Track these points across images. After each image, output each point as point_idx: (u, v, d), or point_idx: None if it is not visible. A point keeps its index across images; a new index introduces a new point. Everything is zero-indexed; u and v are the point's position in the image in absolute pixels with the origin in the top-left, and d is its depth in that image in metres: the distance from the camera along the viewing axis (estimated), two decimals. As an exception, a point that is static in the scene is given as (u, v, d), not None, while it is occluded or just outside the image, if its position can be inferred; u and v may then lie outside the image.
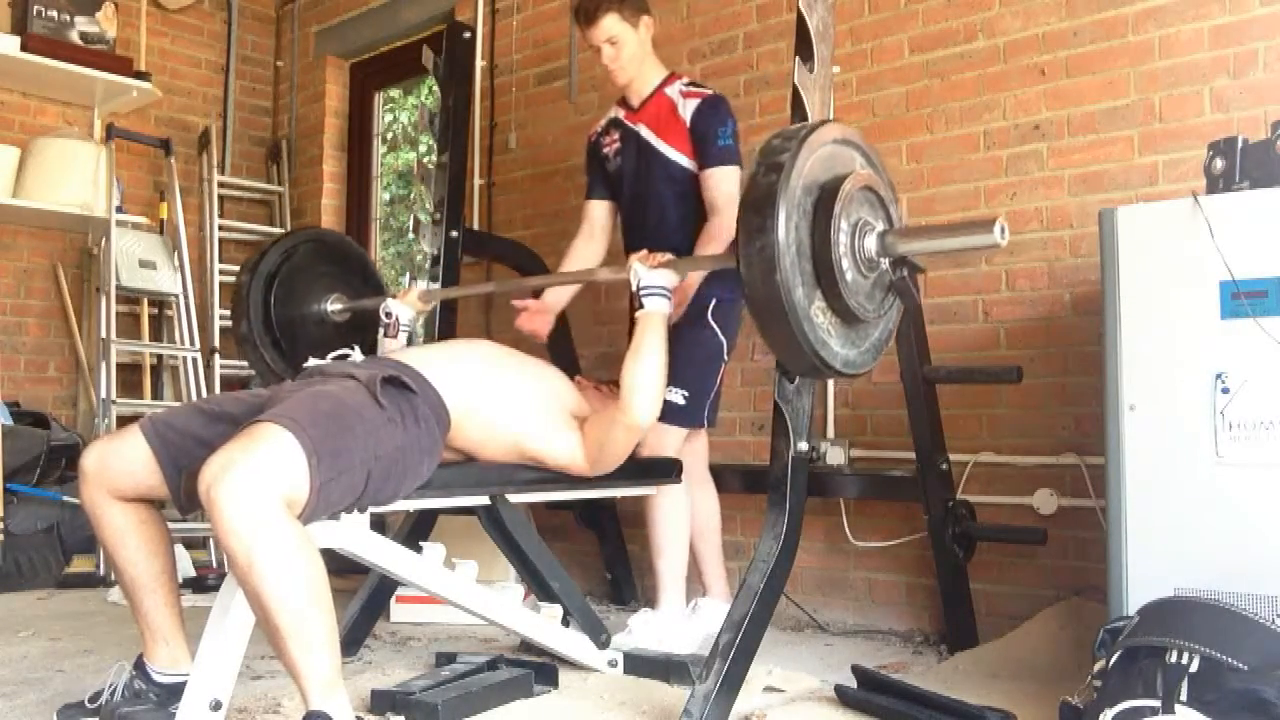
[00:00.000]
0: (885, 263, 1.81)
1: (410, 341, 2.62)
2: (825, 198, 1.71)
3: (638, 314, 2.18)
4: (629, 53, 2.65)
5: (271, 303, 2.77)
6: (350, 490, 1.72)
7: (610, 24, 2.61)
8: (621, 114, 2.79)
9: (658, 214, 2.70)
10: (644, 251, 2.21)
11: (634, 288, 2.17)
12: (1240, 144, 1.93)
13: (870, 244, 1.77)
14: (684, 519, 2.64)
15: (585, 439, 2.17)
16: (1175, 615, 1.69)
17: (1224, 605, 1.70)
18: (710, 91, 2.68)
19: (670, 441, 2.57)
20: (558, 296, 2.88)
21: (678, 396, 2.57)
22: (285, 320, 2.79)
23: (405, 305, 2.58)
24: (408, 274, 4.83)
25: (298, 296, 2.84)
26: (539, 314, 2.81)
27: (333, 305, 2.88)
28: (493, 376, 2.16)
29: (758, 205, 1.65)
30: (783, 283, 1.63)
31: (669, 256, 2.19)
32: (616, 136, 2.79)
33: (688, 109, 2.64)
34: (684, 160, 2.65)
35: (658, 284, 2.15)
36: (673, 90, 2.69)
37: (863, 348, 1.87)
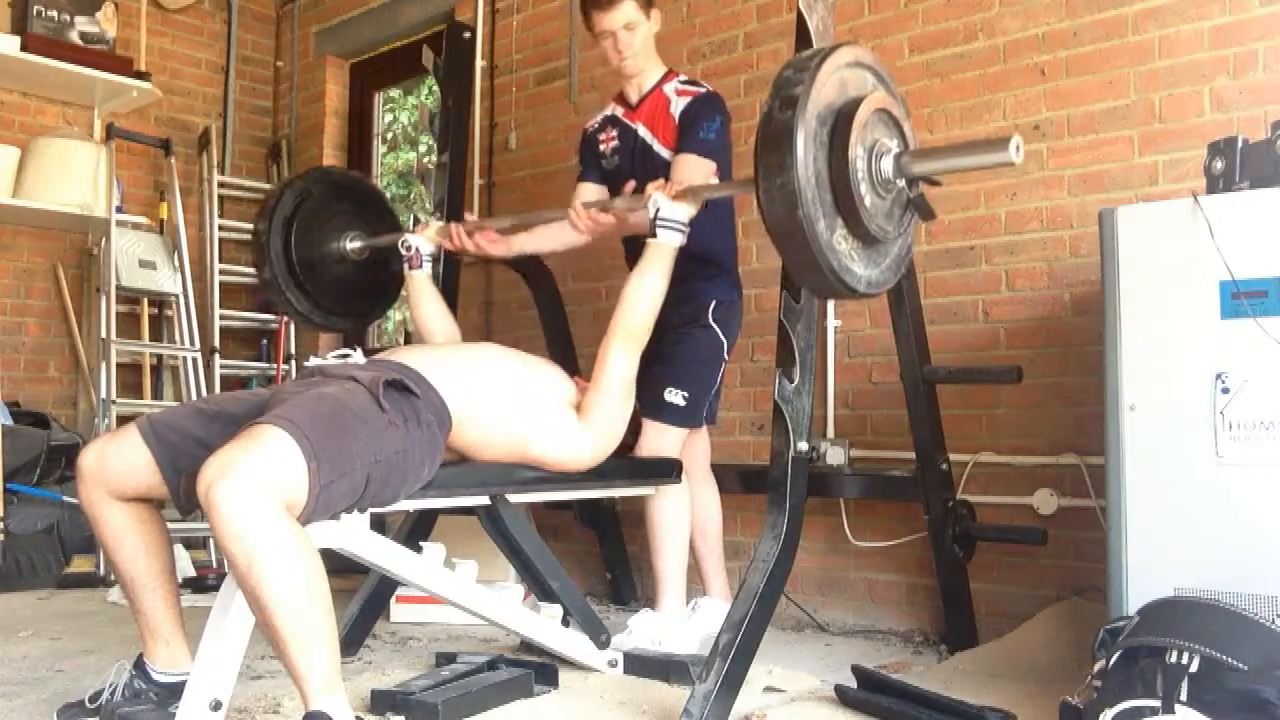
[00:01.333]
0: (902, 182, 1.79)
1: (434, 272, 2.70)
2: (841, 125, 1.69)
3: (649, 241, 2.21)
4: (640, 41, 2.63)
5: (292, 245, 2.79)
6: (350, 492, 1.72)
7: (628, 8, 2.58)
8: (620, 111, 2.78)
9: None
10: (661, 180, 2.24)
11: (651, 216, 2.20)
12: (1240, 144, 1.93)
13: (887, 166, 1.75)
14: (684, 519, 2.63)
15: (583, 413, 2.20)
16: (1175, 615, 1.69)
17: (1223, 605, 1.70)
18: (704, 90, 2.66)
19: (671, 442, 2.57)
20: (523, 244, 2.81)
21: (678, 398, 2.57)
22: (306, 261, 2.82)
23: (424, 239, 2.65)
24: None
25: (315, 237, 2.85)
26: (496, 242, 2.74)
27: (351, 243, 2.89)
28: (494, 378, 2.16)
29: (775, 141, 1.63)
30: (805, 217, 1.61)
31: (688, 185, 2.21)
32: (614, 134, 2.78)
33: (678, 106, 2.63)
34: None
35: (675, 217, 2.19)
36: (669, 88, 2.68)
37: (883, 266, 1.85)
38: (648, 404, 2.53)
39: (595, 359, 2.26)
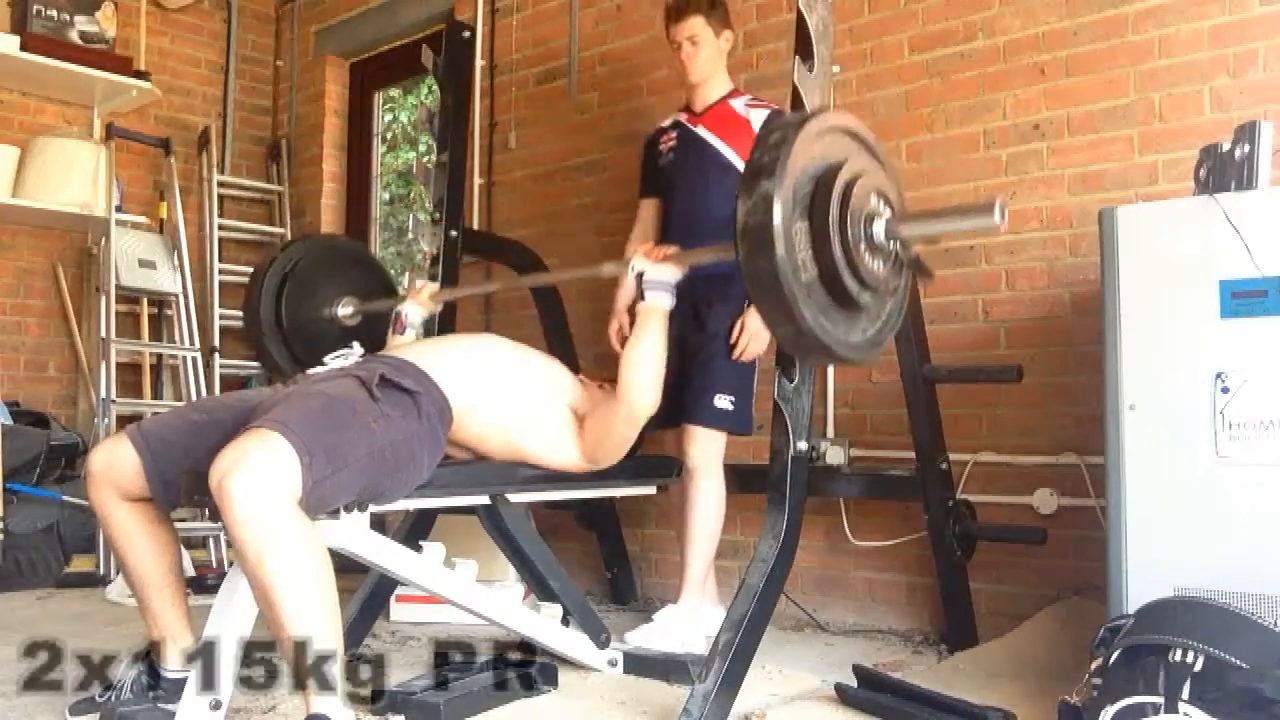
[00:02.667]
0: (893, 244, 1.78)
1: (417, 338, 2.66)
2: (823, 187, 1.68)
3: (639, 306, 2.21)
4: (705, 54, 2.78)
5: (282, 310, 2.82)
6: (347, 486, 1.72)
7: (695, 24, 2.75)
8: (683, 117, 2.90)
9: (703, 211, 2.76)
10: (648, 244, 2.25)
11: (632, 279, 2.19)
12: (1219, 150, 1.94)
13: (878, 230, 1.74)
14: (719, 513, 2.69)
15: (584, 434, 2.19)
16: (1173, 614, 1.69)
17: (1221, 604, 1.70)
18: (776, 106, 2.77)
19: (719, 447, 2.67)
20: (624, 299, 2.93)
21: (726, 402, 2.65)
22: (296, 326, 2.84)
23: (416, 306, 2.64)
24: (407, 274, 4.82)
25: (307, 301, 2.88)
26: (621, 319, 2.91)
27: (343, 309, 2.91)
28: (496, 372, 2.17)
29: (755, 231, 1.61)
30: (787, 290, 1.60)
31: (674, 250, 2.21)
32: (674, 136, 2.89)
33: (757, 118, 2.74)
34: (737, 160, 2.73)
35: (661, 279, 2.17)
36: (737, 103, 2.81)
37: (869, 333, 1.84)
38: (697, 411, 2.64)
39: (610, 380, 2.25)
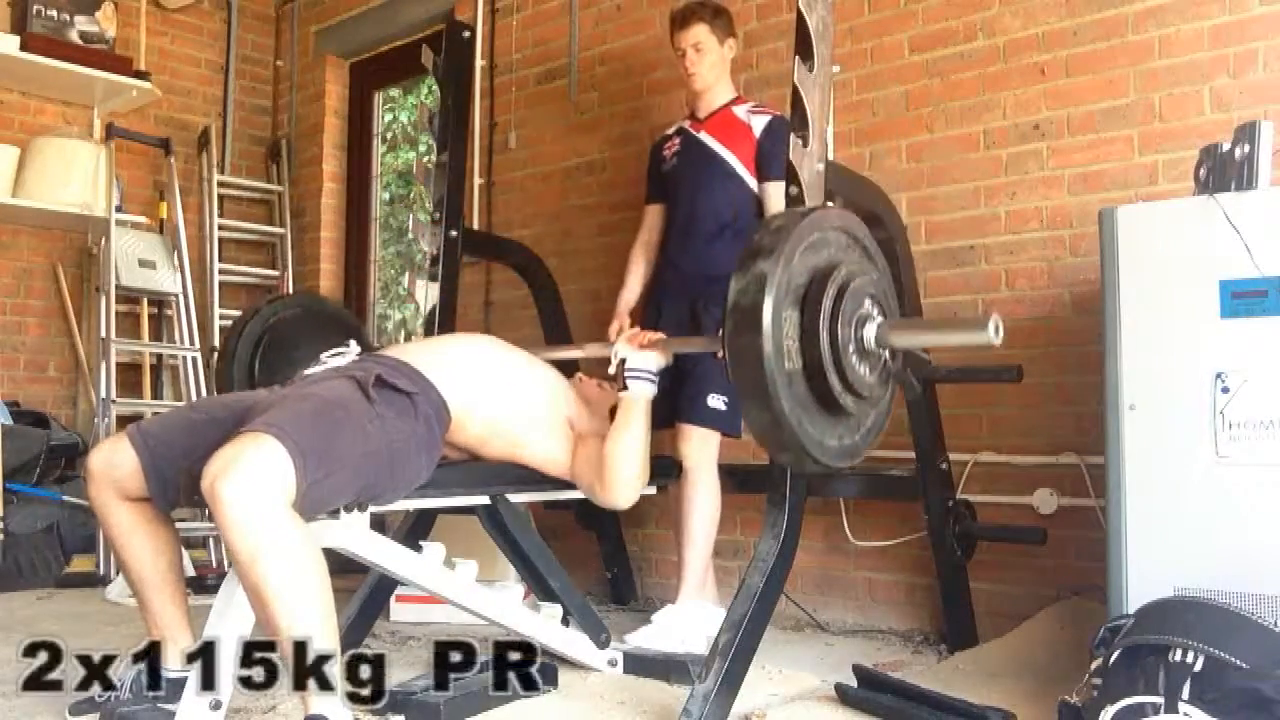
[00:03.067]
0: (883, 353, 1.76)
1: None
2: (819, 280, 1.65)
3: (620, 396, 2.20)
4: (709, 62, 2.81)
5: (256, 367, 2.71)
6: (343, 488, 1.72)
7: (699, 31, 2.79)
8: (687, 124, 2.93)
9: (705, 217, 2.80)
10: (633, 330, 2.24)
11: (615, 367, 2.16)
12: (1219, 150, 1.94)
13: (869, 334, 1.71)
14: (715, 513, 2.70)
15: (574, 463, 2.18)
16: (1173, 615, 1.69)
17: (1221, 604, 1.70)
18: (778, 112, 2.80)
19: (714, 447, 2.68)
20: (626, 303, 2.97)
21: (719, 402, 2.66)
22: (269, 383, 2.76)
23: None
24: (407, 273, 4.82)
25: (284, 363, 2.73)
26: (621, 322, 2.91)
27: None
28: (493, 374, 2.17)
29: (744, 310, 1.57)
30: (769, 374, 1.56)
31: (659, 336, 2.20)
32: (677, 141, 2.92)
33: (758, 125, 2.78)
34: (743, 172, 2.77)
35: (644, 367, 2.16)
36: (740, 110, 2.83)
37: (846, 442, 1.78)
38: (690, 410, 2.65)
39: (610, 378, 2.26)
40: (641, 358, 2.16)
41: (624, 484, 2.14)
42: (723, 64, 2.85)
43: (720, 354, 2.61)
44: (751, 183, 2.77)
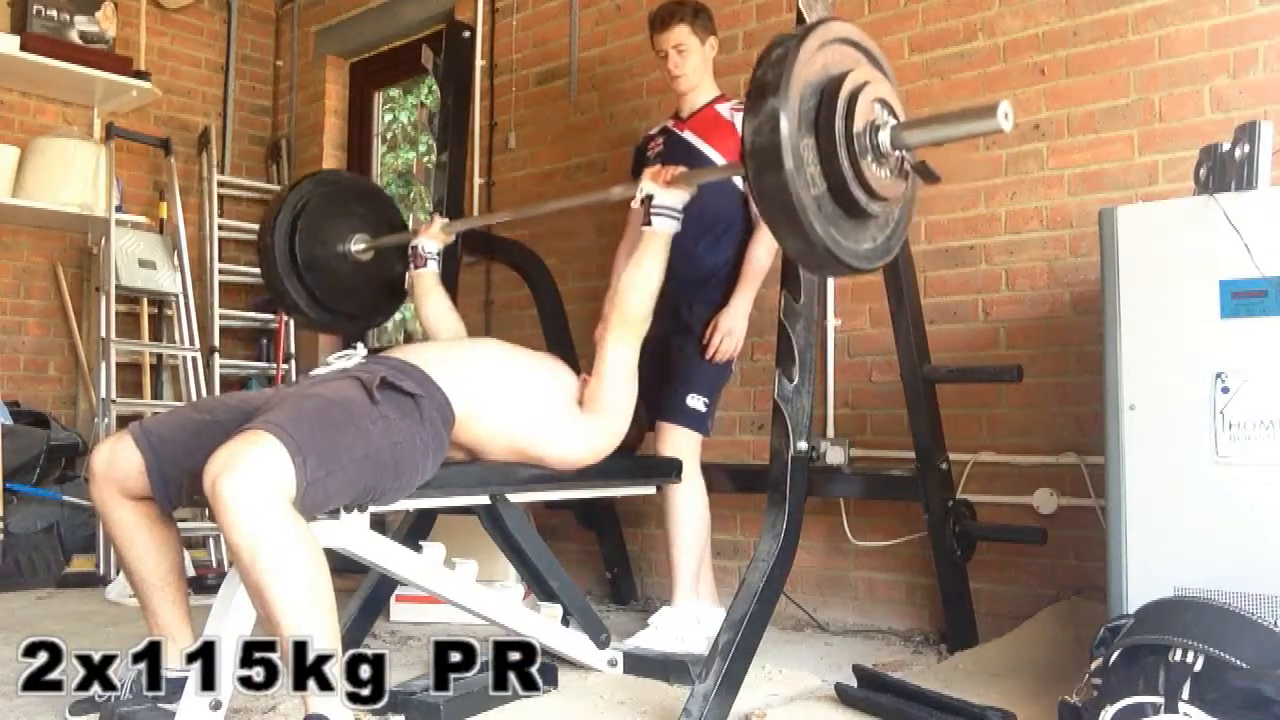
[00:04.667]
0: (899, 152, 1.78)
1: (439, 269, 2.72)
2: (827, 100, 1.68)
3: (644, 229, 2.22)
4: (692, 63, 2.80)
5: (296, 243, 2.82)
6: (343, 488, 1.72)
7: (680, 33, 2.77)
8: (670, 123, 2.92)
9: (689, 206, 2.74)
10: (656, 167, 2.26)
11: (641, 203, 2.20)
12: (1219, 150, 1.94)
13: (884, 139, 1.74)
14: (703, 513, 2.70)
15: (586, 404, 2.21)
16: (1173, 615, 1.69)
17: (1221, 604, 1.70)
18: None
19: (695, 447, 2.67)
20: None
21: (699, 403, 2.67)
22: (309, 259, 2.83)
23: (430, 240, 2.68)
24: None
25: (321, 236, 2.87)
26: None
27: (356, 245, 2.91)
28: (498, 375, 2.17)
29: (762, 149, 1.61)
30: (798, 205, 1.61)
31: (682, 170, 2.22)
32: (661, 141, 2.91)
33: (741, 121, 2.71)
34: (720, 161, 2.75)
35: (669, 204, 2.19)
36: (724, 108, 2.82)
37: (879, 241, 1.83)
38: (670, 410, 2.66)
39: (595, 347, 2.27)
40: (667, 195, 2.18)
41: (636, 298, 2.19)
42: (705, 63, 2.83)
43: (705, 346, 2.67)
44: (737, 180, 2.75)
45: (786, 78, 1.60)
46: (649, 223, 2.20)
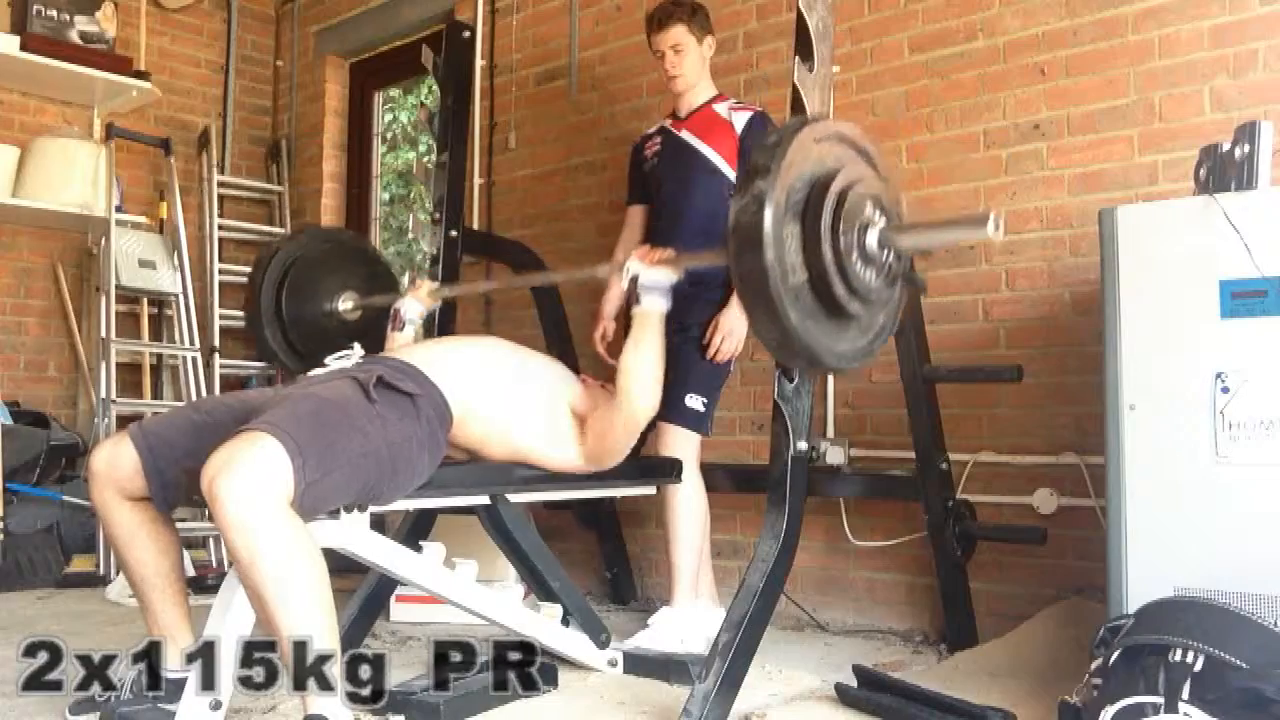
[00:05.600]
0: (887, 255, 1.76)
1: (416, 336, 2.67)
2: (818, 191, 1.67)
3: (635, 311, 2.19)
4: (689, 63, 2.78)
5: (282, 301, 2.83)
6: (342, 488, 1.72)
7: (678, 32, 2.76)
8: (668, 123, 2.91)
9: (686, 202, 2.78)
10: (644, 248, 2.22)
11: (627, 283, 2.16)
12: (1219, 150, 1.94)
13: (871, 238, 1.71)
14: (701, 512, 2.69)
15: (586, 434, 2.19)
16: (1173, 614, 1.69)
17: (1220, 604, 1.70)
18: (759, 108, 2.81)
19: (694, 447, 2.66)
20: (608, 305, 2.97)
21: (698, 403, 2.66)
22: (296, 317, 2.84)
23: (414, 302, 2.64)
24: (407, 273, 4.83)
25: (309, 294, 2.88)
26: (605, 325, 2.96)
27: (344, 304, 2.91)
28: (495, 375, 2.17)
29: (745, 229, 1.59)
30: (775, 292, 1.58)
31: (669, 253, 2.19)
32: (659, 141, 2.91)
33: (739, 121, 2.77)
34: (722, 163, 2.76)
35: (656, 282, 2.15)
36: (721, 107, 2.82)
37: (858, 344, 1.81)
38: (669, 410, 2.61)
39: (612, 379, 2.25)
40: (653, 273, 2.14)
41: (641, 395, 2.14)
42: (702, 62, 2.82)
43: (705, 346, 2.67)
44: (733, 177, 2.74)
45: (779, 164, 1.59)
46: (639, 302, 2.16)
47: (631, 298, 2.19)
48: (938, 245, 1.81)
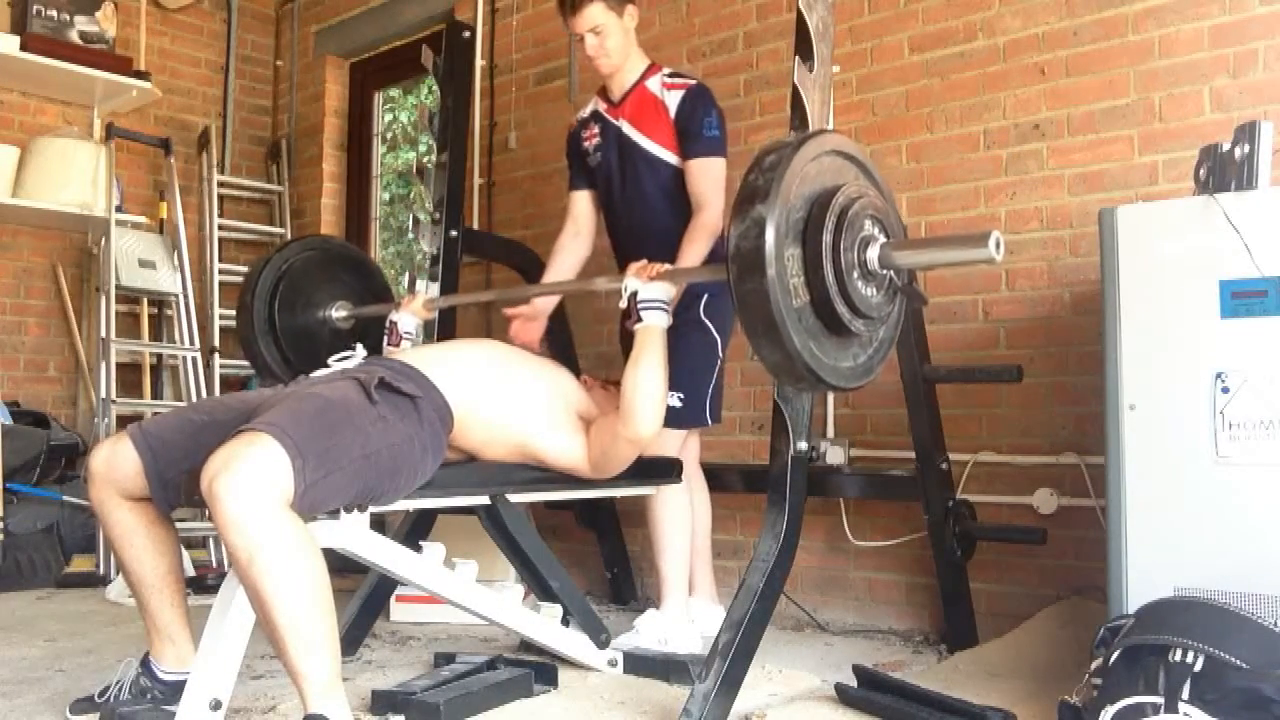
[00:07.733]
0: (887, 272, 1.77)
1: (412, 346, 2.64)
2: (817, 211, 1.66)
3: (635, 327, 2.16)
4: (613, 42, 2.63)
5: (275, 311, 2.82)
6: (342, 489, 1.72)
7: (594, 13, 2.58)
8: (602, 107, 2.78)
9: (649, 215, 2.69)
10: (642, 262, 2.19)
11: (626, 301, 2.14)
12: (1219, 150, 1.94)
13: (871, 256, 1.72)
14: (686, 517, 2.64)
15: (589, 443, 2.18)
16: (1173, 614, 1.69)
17: (1221, 604, 1.70)
18: (694, 81, 2.67)
19: (671, 443, 2.58)
20: (546, 301, 2.89)
21: (674, 399, 2.56)
22: (289, 328, 2.84)
23: (409, 314, 2.62)
24: (406, 274, 4.82)
25: (302, 304, 2.88)
26: (530, 321, 2.84)
27: (337, 312, 2.91)
28: (496, 377, 2.16)
29: (746, 254, 1.58)
30: (778, 315, 1.58)
31: (666, 267, 2.17)
32: (596, 130, 2.78)
33: (672, 100, 2.63)
34: (669, 157, 2.65)
35: (655, 298, 2.13)
36: (653, 83, 2.68)
37: (860, 360, 1.82)
38: None
39: (614, 380, 2.23)
40: (652, 289, 2.12)
41: (643, 414, 2.10)
42: (627, 36, 2.64)
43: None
44: (676, 161, 2.64)
45: (777, 186, 1.58)
46: (640, 319, 2.13)
47: (631, 315, 2.15)
48: (938, 264, 1.80)
